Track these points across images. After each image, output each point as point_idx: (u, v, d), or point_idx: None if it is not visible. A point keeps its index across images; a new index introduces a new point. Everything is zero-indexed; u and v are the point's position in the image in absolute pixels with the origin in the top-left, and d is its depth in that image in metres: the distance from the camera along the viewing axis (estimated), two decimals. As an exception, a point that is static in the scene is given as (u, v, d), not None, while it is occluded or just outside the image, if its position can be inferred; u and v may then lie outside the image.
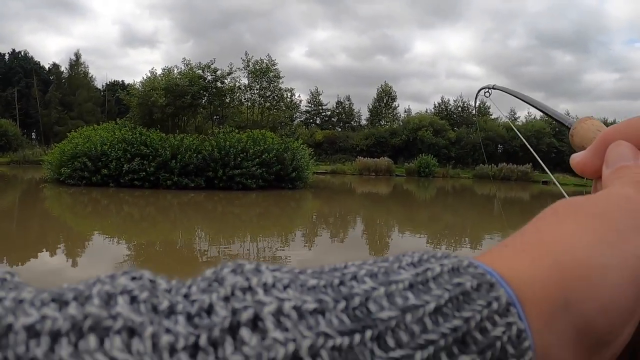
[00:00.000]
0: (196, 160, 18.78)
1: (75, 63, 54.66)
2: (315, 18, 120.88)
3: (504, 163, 38.38)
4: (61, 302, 0.16)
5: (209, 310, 0.17)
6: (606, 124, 0.47)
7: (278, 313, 0.17)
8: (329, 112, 55.30)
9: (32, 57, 54.45)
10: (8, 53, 53.09)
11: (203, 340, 0.16)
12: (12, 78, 49.39)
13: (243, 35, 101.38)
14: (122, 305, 0.16)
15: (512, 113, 51.19)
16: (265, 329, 0.16)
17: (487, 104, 46.55)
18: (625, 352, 0.28)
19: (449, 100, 55.29)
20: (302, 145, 22.07)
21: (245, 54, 32.28)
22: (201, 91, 27.43)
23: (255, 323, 0.16)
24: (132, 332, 0.15)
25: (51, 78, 53.22)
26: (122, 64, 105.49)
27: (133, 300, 0.17)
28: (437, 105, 54.95)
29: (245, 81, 31.87)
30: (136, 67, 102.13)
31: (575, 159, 0.35)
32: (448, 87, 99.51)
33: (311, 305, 0.17)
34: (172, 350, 0.15)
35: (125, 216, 12.78)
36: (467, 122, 48.43)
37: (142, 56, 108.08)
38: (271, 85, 32.39)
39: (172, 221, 12.17)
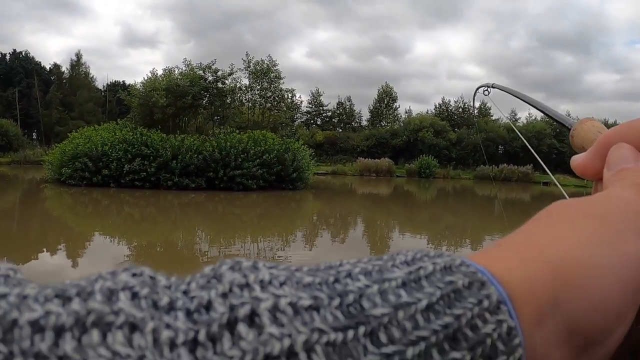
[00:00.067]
0: (197, 160, 18.78)
1: (76, 63, 54.72)
2: (316, 19, 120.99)
3: (505, 164, 38.38)
4: (64, 298, 0.16)
5: (208, 306, 0.17)
6: (607, 125, 0.47)
7: (274, 309, 0.17)
8: (330, 113, 55.30)
9: (33, 58, 54.50)
10: (9, 53, 53.15)
11: (202, 336, 0.16)
12: (13, 78, 49.42)
13: (244, 36, 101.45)
14: (123, 301, 0.16)
15: (513, 114, 51.22)
16: (262, 325, 0.17)
17: (488, 104, 46.45)
18: (626, 352, 0.28)
19: (449, 101, 55.34)
20: (302, 146, 22.07)
21: (246, 55, 32.36)
22: (202, 92, 27.44)
23: (252, 319, 0.17)
24: (133, 327, 0.15)
25: (52, 78, 53.27)
26: (123, 64, 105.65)
27: (134, 296, 0.17)
28: (437, 106, 54.96)
29: (246, 82, 31.91)
30: (137, 67, 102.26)
31: (576, 160, 0.35)
32: (449, 88, 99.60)
33: (306, 302, 0.18)
34: (172, 345, 0.15)
35: (126, 216, 12.79)
36: (468, 123, 48.40)
37: (143, 57, 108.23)
38: (272, 85, 32.41)
39: (172, 222, 12.17)
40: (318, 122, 54.38)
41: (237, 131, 21.28)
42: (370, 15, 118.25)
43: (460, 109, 52.67)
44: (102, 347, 0.15)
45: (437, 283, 0.20)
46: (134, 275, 0.18)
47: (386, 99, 53.46)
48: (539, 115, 48.53)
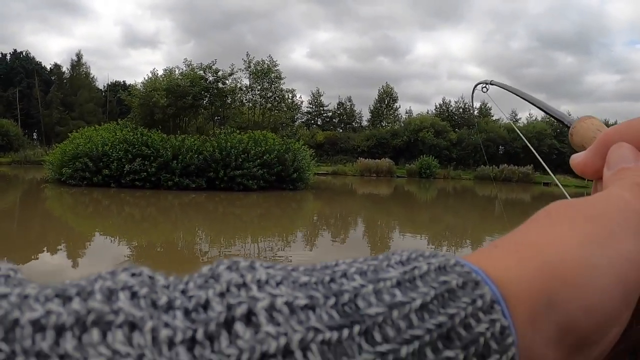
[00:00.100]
0: (197, 161, 18.78)
1: (77, 63, 54.76)
2: (317, 19, 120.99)
3: (505, 164, 38.42)
4: (65, 298, 0.16)
5: (206, 305, 0.17)
6: (607, 125, 0.47)
7: (271, 308, 0.17)
8: (330, 113, 55.33)
9: (33, 58, 54.55)
10: (10, 53, 53.19)
11: (200, 334, 0.16)
12: (13, 78, 49.45)
13: (244, 36, 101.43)
14: (123, 300, 0.17)
15: (514, 114, 51.21)
16: (259, 324, 0.17)
17: (489, 105, 46.46)
18: (625, 352, 0.28)
19: (450, 101, 55.39)
20: (303, 146, 22.09)
21: (247, 55, 32.40)
22: (202, 92, 27.48)
23: (249, 318, 0.17)
24: (133, 326, 0.16)
25: (53, 78, 53.31)
26: (123, 64, 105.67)
27: (133, 295, 0.17)
28: (438, 106, 55.01)
29: (246, 82, 31.99)
30: (137, 67, 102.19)
31: (576, 159, 0.35)
32: (449, 89, 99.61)
33: (302, 301, 0.18)
34: (171, 343, 0.16)
35: (127, 217, 12.79)
36: (469, 123, 48.41)
37: (143, 57, 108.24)
38: (272, 86, 32.46)
39: (173, 222, 12.18)
40: (318, 123, 54.40)
41: (238, 131, 21.29)
42: (371, 16, 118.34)
43: (461, 110, 52.69)
44: (103, 346, 0.15)
45: (432, 283, 0.20)
46: (133, 275, 0.19)
47: (387, 99, 53.49)
48: (539, 115, 48.59)
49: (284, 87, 33.15)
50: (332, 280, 0.20)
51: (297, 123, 42.96)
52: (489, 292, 0.21)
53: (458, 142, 44.03)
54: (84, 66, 55.69)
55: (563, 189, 0.75)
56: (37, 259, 7.37)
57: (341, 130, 52.11)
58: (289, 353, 0.16)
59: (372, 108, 54.24)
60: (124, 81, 56.91)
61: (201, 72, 27.98)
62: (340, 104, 55.62)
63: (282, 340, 0.16)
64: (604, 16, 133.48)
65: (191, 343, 0.16)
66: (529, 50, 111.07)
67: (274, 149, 19.86)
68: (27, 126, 47.51)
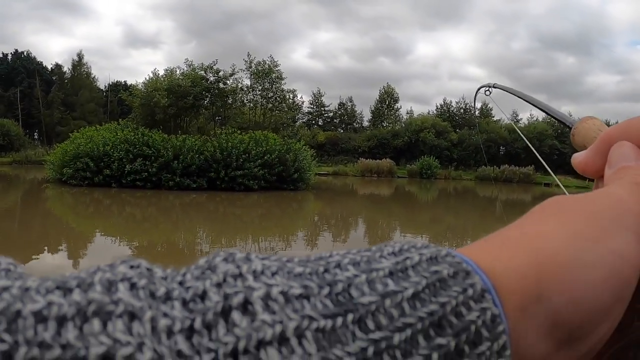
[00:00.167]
0: (198, 161, 18.79)
1: (78, 63, 54.78)
2: (318, 20, 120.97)
3: (506, 165, 38.41)
4: (65, 289, 0.17)
5: (203, 295, 0.18)
6: (608, 125, 0.47)
7: (266, 297, 0.18)
8: (331, 114, 55.35)
9: (34, 58, 54.54)
10: (11, 53, 53.21)
11: (198, 323, 0.17)
12: (14, 78, 49.47)
13: (245, 37, 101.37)
14: (122, 291, 0.17)
15: (515, 115, 51.19)
16: (255, 312, 0.17)
17: (490, 105, 46.39)
18: (629, 348, 0.28)
19: (451, 102, 55.40)
20: (304, 147, 22.08)
21: (248, 55, 32.31)
22: (203, 92, 27.43)
23: (246, 307, 0.17)
24: (132, 316, 0.16)
25: (54, 78, 53.33)
26: (124, 64, 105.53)
27: (132, 286, 0.17)
28: (439, 107, 55.01)
29: (247, 82, 31.90)
30: (139, 67, 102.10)
31: (577, 158, 0.35)
32: (450, 89, 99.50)
33: (297, 291, 0.18)
34: (170, 332, 0.16)
35: (127, 217, 12.80)
36: (469, 123, 48.40)
37: (144, 57, 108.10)
38: (273, 86, 32.41)
39: (174, 222, 12.19)
40: (319, 123, 54.41)
41: (239, 131, 21.27)
42: (372, 16, 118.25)
43: (462, 110, 52.67)
44: (103, 335, 0.15)
45: (423, 272, 0.21)
46: (131, 267, 0.19)
47: (387, 99, 53.48)
48: (540, 116, 48.59)
49: (285, 87, 33.11)
50: (326, 270, 0.20)
51: (298, 123, 42.87)
52: (480, 282, 0.21)
53: (459, 142, 44.01)
54: (85, 66, 55.76)
55: (564, 189, 0.75)
56: (38, 258, 7.38)
57: (342, 131, 52.12)
58: (285, 340, 0.17)
59: (373, 108, 54.25)
60: (125, 81, 56.94)
61: (202, 72, 27.93)
62: (341, 104, 55.64)
63: (278, 328, 0.17)
64: (605, 17, 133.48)
65: (189, 332, 0.16)
66: (530, 50, 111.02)
67: (275, 149, 19.87)
68: (28, 126, 47.55)
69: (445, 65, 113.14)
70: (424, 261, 0.21)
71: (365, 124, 55.17)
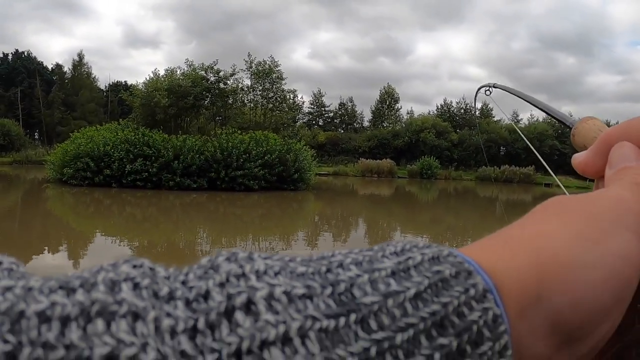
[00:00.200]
0: (198, 161, 18.80)
1: (78, 63, 54.78)
2: (318, 20, 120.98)
3: (506, 165, 38.40)
4: (68, 289, 0.17)
5: (206, 295, 0.18)
6: (609, 126, 0.47)
7: (269, 297, 0.18)
8: (332, 114, 55.36)
9: (35, 58, 54.52)
10: (11, 53, 53.18)
11: (201, 323, 0.17)
12: (15, 78, 49.45)
13: (246, 37, 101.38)
14: (125, 291, 0.17)
15: (515, 115, 51.19)
16: (258, 312, 0.17)
17: (490, 105, 46.38)
18: (630, 349, 0.28)
19: (451, 102, 55.50)
20: (304, 147, 22.09)
21: (248, 55, 32.26)
22: (204, 92, 27.40)
23: (249, 307, 0.17)
24: (136, 316, 0.16)
25: (54, 78, 53.30)
26: (125, 64, 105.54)
27: (135, 286, 0.17)
28: (439, 107, 55.02)
29: (248, 82, 31.87)
30: (139, 68, 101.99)
31: (577, 159, 0.35)
32: (451, 89, 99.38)
33: (300, 291, 0.18)
34: (173, 332, 0.16)
35: (128, 217, 12.80)
36: (470, 124, 48.41)
37: (145, 57, 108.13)
38: (274, 86, 32.38)
39: (174, 222, 12.19)
40: (320, 123, 54.42)
41: (239, 132, 21.27)
42: (372, 16, 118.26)
43: (462, 110, 52.67)
44: (107, 335, 0.15)
45: (425, 272, 0.21)
46: (134, 266, 0.19)
47: (388, 99, 53.47)
48: (540, 116, 48.59)
49: (285, 87, 33.08)
50: (328, 270, 0.20)
51: (298, 123, 42.83)
52: (482, 282, 0.21)
53: (459, 142, 44.01)
54: (86, 66, 55.74)
55: (565, 190, 0.75)
56: (39, 258, 7.38)
57: (342, 131, 52.11)
58: (288, 340, 0.17)
59: (373, 108, 54.26)
60: (125, 81, 56.89)
61: (203, 72, 27.90)
62: (341, 104, 55.66)
63: (281, 328, 0.17)
64: (605, 17, 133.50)
65: (193, 332, 0.16)
66: (530, 51, 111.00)
67: (276, 150, 19.88)
68: (28, 126, 47.56)
69: (446, 66, 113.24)
70: (426, 261, 0.22)
71: (366, 124, 55.22)
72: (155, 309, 0.17)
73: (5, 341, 0.14)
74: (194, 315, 0.17)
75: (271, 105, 32.64)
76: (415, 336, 0.19)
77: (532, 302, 0.22)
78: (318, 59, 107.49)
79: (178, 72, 27.87)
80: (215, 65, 28.40)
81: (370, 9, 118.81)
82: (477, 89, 1.45)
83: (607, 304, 0.23)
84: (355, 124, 55.20)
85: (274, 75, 32.09)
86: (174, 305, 0.17)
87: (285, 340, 0.17)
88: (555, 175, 1.05)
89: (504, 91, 1.17)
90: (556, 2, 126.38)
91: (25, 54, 53.69)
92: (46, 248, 8.26)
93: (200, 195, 17.30)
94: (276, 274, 0.19)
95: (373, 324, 0.18)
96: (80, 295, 0.16)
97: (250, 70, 31.66)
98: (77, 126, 27.84)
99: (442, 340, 0.19)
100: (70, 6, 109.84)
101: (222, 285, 0.18)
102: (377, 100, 54.12)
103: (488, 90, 1.35)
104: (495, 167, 38.15)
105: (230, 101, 30.18)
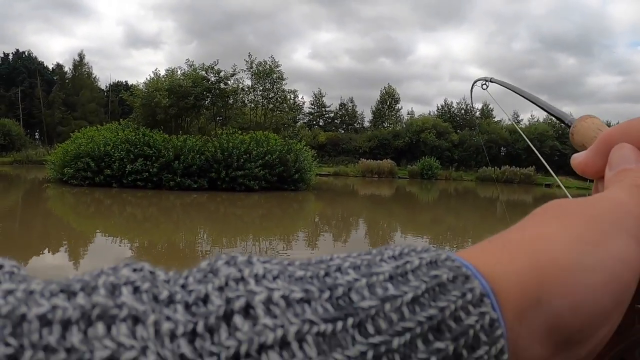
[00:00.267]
0: (199, 161, 18.80)
1: (79, 63, 54.80)
2: (319, 20, 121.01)
3: (507, 166, 38.39)
4: (69, 293, 0.17)
5: (205, 299, 0.18)
6: (609, 126, 0.47)
7: (268, 301, 0.18)
8: (332, 114, 55.34)
9: (35, 58, 54.59)
10: (12, 53, 53.24)
11: (200, 327, 0.17)
12: (15, 78, 49.49)
13: (246, 37, 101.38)
14: (126, 295, 0.17)
15: (516, 115, 51.15)
16: (257, 316, 0.17)
17: (491, 106, 46.34)
18: (631, 350, 0.28)
19: (452, 102, 55.46)
20: (305, 147, 22.07)
21: (249, 56, 32.27)
22: (204, 92, 27.41)
23: (247, 311, 0.18)
24: (136, 319, 0.16)
25: (55, 78, 53.33)
26: (125, 64, 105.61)
27: (136, 290, 0.18)
28: (440, 107, 55.01)
29: (248, 82, 31.88)
30: (139, 68, 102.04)
31: (577, 159, 0.35)
32: (451, 90, 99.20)
33: (298, 295, 0.19)
34: (173, 336, 0.16)
35: (128, 217, 12.80)
36: (470, 124, 48.39)
37: (145, 57, 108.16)
38: (274, 86, 32.39)
39: (174, 222, 12.18)
40: (320, 123, 54.39)
41: (240, 132, 21.27)
42: (373, 17, 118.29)
43: (463, 111, 52.66)
44: (107, 339, 0.15)
45: (423, 277, 0.21)
46: (134, 270, 0.19)
47: (388, 100, 53.47)
48: (541, 117, 48.53)
49: (285, 87, 33.10)
50: (326, 274, 0.20)
51: (299, 124, 42.85)
52: (479, 286, 0.21)
53: (460, 143, 43.99)
54: (86, 66, 55.77)
55: (565, 190, 0.75)
56: (39, 259, 7.38)
57: (343, 131, 52.10)
58: (286, 344, 0.17)
59: (373, 109, 54.26)
60: (126, 81, 56.93)
61: (203, 72, 27.90)
62: (342, 104, 55.65)
63: (279, 332, 0.17)
64: (606, 18, 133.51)
65: (192, 335, 0.16)
66: (531, 51, 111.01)
67: (276, 150, 19.87)
68: (29, 126, 47.57)
69: (446, 66, 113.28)
70: (424, 265, 0.22)
71: (366, 124, 55.22)
72: (155, 313, 0.17)
73: (7, 344, 0.14)
74: (193, 318, 0.17)
75: (272, 105, 32.65)
76: (412, 340, 0.19)
77: (531, 306, 0.22)
78: (318, 59, 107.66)
79: (179, 72, 27.89)
80: (215, 65, 28.42)
81: (371, 9, 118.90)
82: (472, 82, 1.42)
83: (606, 307, 0.23)
84: (355, 125, 55.20)
85: (275, 75, 32.10)
86: (173, 309, 0.17)
87: (283, 344, 0.17)
88: (556, 175, 1.05)
89: (503, 90, 1.16)
90: (556, 2, 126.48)
91: (26, 53, 53.75)
92: (47, 248, 8.26)
93: (201, 195, 17.29)
94: (275, 278, 0.19)
95: (370, 328, 0.18)
96: (81, 299, 0.16)
97: (251, 70, 31.67)
98: (78, 126, 27.84)
99: (439, 345, 0.19)
100: (70, 6, 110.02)
101: (221, 289, 0.18)
102: (377, 101, 54.17)
103: (485, 84, 1.33)
104: (495, 167, 38.16)
105: (230, 101, 30.19)
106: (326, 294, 0.19)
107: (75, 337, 0.15)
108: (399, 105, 54.19)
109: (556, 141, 41.92)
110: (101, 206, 14.52)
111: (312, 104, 53.98)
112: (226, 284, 0.19)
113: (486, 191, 29.01)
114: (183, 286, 0.19)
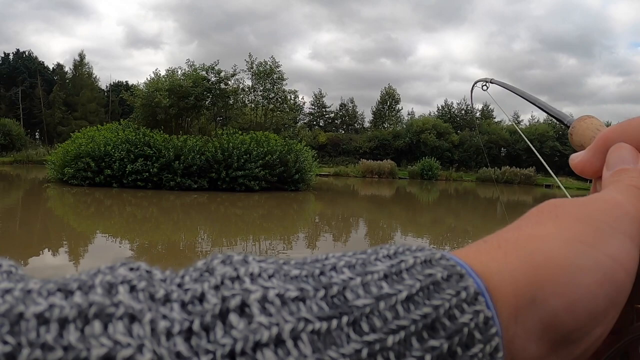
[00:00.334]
0: (199, 161, 18.80)
1: (80, 63, 54.74)
2: (319, 20, 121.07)
3: (507, 166, 38.40)
4: (66, 292, 0.17)
5: (201, 298, 0.18)
6: (608, 126, 0.47)
7: (263, 300, 0.18)
8: (333, 115, 55.33)
9: (36, 57, 54.58)
10: (12, 53, 53.23)
11: (196, 325, 0.17)
12: (16, 78, 49.50)
13: (247, 37, 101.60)
14: (122, 293, 0.17)
15: (516, 116, 51.16)
16: (252, 315, 0.17)
17: (491, 107, 46.35)
18: (628, 349, 0.28)
19: (452, 103, 55.52)
20: (305, 147, 22.06)
21: (249, 56, 32.37)
22: (205, 92, 27.38)
23: (243, 309, 0.18)
24: (132, 318, 0.16)
25: (55, 78, 53.29)
26: (126, 64, 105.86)
27: (132, 289, 0.18)
28: (440, 108, 55.06)
29: (248, 83, 31.89)
30: (140, 68, 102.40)
31: (575, 159, 0.35)
32: (451, 90, 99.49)
33: (293, 293, 0.19)
34: (169, 334, 0.16)
35: (128, 217, 12.79)
36: (471, 125, 48.41)
37: (146, 57, 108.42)
38: (275, 87, 32.39)
39: (175, 222, 12.17)
40: (321, 124, 54.40)
41: (240, 132, 21.26)
42: (373, 17, 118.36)
43: (463, 111, 52.67)
44: (104, 337, 0.15)
45: (417, 275, 0.21)
46: (131, 269, 0.19)
47: (389, 100, 53.48)
48: (541, 117, 48.55)
49: (286, 88, 33.09)
50: (321, 273, 0.20)
51: (299, 124, 42.86)
52: (473, 285, 0.21)
53: (460, 143, 44.00)
54: (87, 66, 55.66)
55: (565, 191, 0.75)
56: (39, 258, 7.37)
57: (343, 132, 52.11)
58: (281, 342, 0.17)
59: (374, 109, 54.30)
60: (126, 81, 56.89)
61: (204, 72, 27.86)
62: (342, 105, 55.65)
63: (274, 330, 0.17)
64: (606, 18, 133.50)
65: (188, 334, 0.17)
66: (531, 52, 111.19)
67: (276, 150, 19.88)
68: (29, 126, 47.58)
69: (447, 67, 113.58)
70: (419, 264, 0.22)
71: (367, 125, 55.23)
72: (151, 311, 0.17)
73: (5, 342, 0.14)
74: (189, 317, 0.17)
75: (272, 105, 32.65)
76: (407, 338, 0.19)
77: (526, 304, 0.22)
78: (319, 60, 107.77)
79: (179, 73, 27.85)
80: (216, 65, 28.38)
81: (371, 9, 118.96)
82: (473, 83, 1.42)
83: (601, 306, 0.23)
84: (356, 125, 55.22)
85: (275, 75, 32.11)
86: (169, 308, 0.17)
87: (278, 342, 0.17)
88: (556, 176, 1.05)
89: (503, 90, 1.16)
90: (557, 3, 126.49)
91: (27, 53, 53.76)
92: (46, 248, 8.25)
93: (201, 195, 17.28)
94: (270, 276, 0.19)
95: (365, 326, 0.18)
96: (78, 298, 0.16)
97: (251, 70, 31.69)
98: (78, 126, 27.87)
99: (433, 342, 0.19)
100: (71, 6, 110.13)
101: (217, 287, 0.18)
102: (378, 101, 54.21)
103: (485, 85, 1.33)
104: (495, 168, 38.18)
105: (231, 101, 30.16)
106: (321, 293, 0.19)
107: (72, 335, 0.15)
108: (399, 106, 54.27)
109: (556, 142, 41.95)
110: (101, 206, 14.51)
111: (312, 105, 54.05)
112: (222, 282, 0.19)
113: (486, 192, 29.00)
114: (179, 285, 0.19)
